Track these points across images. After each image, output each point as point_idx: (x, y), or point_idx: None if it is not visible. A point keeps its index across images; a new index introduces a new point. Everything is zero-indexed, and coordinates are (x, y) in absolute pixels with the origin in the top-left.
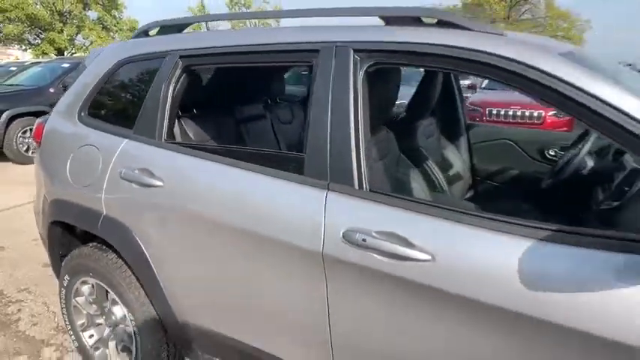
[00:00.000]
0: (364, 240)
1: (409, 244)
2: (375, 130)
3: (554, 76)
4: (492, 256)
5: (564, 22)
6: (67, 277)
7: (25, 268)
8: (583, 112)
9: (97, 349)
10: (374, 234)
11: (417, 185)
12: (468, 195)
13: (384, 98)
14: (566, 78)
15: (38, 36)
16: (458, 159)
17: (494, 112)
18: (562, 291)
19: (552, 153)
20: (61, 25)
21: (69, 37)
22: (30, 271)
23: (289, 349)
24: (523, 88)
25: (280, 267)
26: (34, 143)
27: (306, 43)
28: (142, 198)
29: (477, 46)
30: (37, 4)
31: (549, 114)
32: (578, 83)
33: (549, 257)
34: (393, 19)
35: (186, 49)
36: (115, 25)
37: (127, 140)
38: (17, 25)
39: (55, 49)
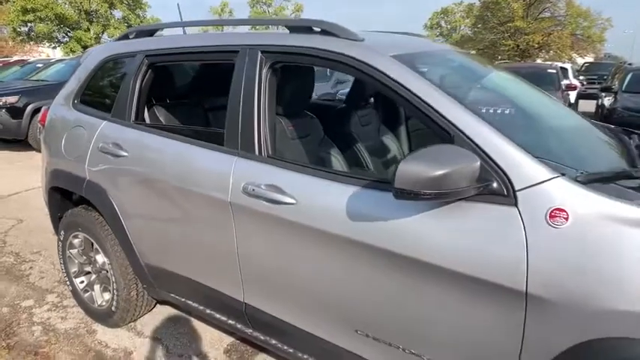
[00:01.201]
0: (253, 190)
1: (282, 192)
2: (294, 115)
3: (382, 72)
4: (333, 198)
5: (584, 21)
6: (62, 232)
7: (39, 236)
8: (400, 100)
9: (86, 291)
10: (262, 186)
11: (336, 160)
12: None
13: (290, 89)
14: (388, 73)
15: (67, 34)
16: (395, 145)
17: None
18: (370, 220)
19: None
20: (88, 23)
21: (95, 36)
22: (42, 238)
23: (214, 279)
24: (366, 80)
25: (206, 215)
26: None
27: (231, 45)
28: (113, 166)
29: (334, 48)
30: (65, 3)
31: None
32: (396, 77)
33: (363, 197)
34: (293, 28)
35: (149, 50)
36: (139, 24)
37: (105, 122)
38: (47, 24)
39: (82, 47)
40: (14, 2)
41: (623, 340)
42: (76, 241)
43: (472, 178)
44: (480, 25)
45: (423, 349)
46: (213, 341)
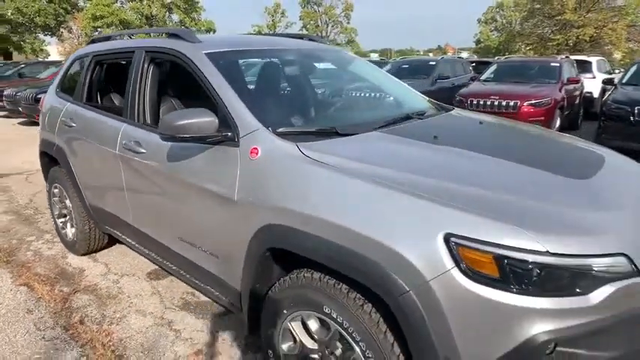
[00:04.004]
0: (126, 144)
1: (140, 145)
2: (187, 97)
3: (194, 64)
4: (160, 146)
5: None
6: (48, 185)
7: None
8: (201, 83)
9: (63, 228)
10: (132, 142)
11: None
12: None
13: (173, 79)
14: (197, 64)
15: (130, 38)
16: None
17: (475, 102)
18: (173, 159)
19: None
20: (148, 27)
21: None
22: None
23: (119, 210)
24: (191, 73)
25: (108, 164)
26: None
27: (131, 47)
28: (69, 134)
29: (177, 47)
30: (128, 10)
31: (525, 103)
32: (200, 67)
33: (174, 145)
34: (169, 34)
35: (96, 52)
36: (194, 27)
37: (69, 103)
38: (113, 30)
39: None
40: (86, 11)
41: (280, 225)
42: (55, 191)
43: (212, 129)
44: (530, 20)
45: (206, 245)
46: (143, 268)
